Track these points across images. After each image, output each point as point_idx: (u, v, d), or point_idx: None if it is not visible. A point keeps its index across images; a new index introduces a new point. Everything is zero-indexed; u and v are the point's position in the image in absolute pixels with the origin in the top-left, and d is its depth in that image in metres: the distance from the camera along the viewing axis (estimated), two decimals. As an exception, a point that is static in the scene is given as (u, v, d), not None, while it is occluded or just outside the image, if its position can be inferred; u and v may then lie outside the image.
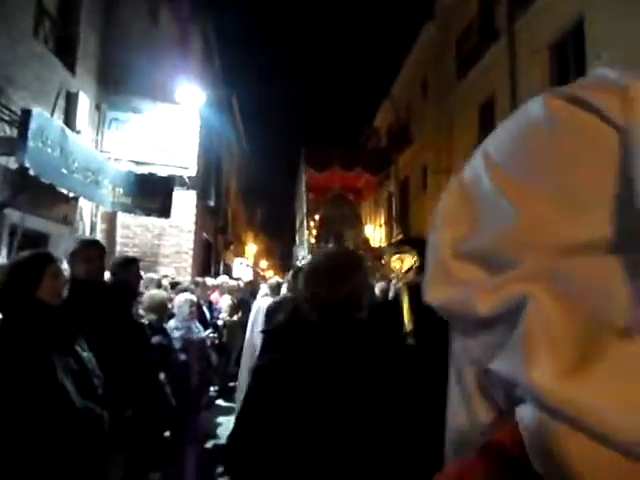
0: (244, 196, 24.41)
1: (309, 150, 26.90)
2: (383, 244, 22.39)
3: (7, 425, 1.71)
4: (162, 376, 4.14)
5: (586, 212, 0.35)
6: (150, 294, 4.46)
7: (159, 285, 4.93)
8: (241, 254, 24.33)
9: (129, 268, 3.32)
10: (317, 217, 23.60)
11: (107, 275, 3.34)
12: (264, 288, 8.93)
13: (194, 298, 5.02)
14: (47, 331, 1.90)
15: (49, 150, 5.06)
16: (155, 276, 5.17)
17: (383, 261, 18.33)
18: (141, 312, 3.88)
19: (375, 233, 24.33)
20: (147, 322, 3.84)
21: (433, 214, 0.52)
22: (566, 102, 0.41)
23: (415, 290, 2.11)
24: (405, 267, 2.58)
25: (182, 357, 4.66)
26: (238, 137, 17.90)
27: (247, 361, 5.16)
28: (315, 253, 18.75)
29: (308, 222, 24.94)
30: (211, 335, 5.38)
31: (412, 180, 18.37)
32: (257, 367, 1.43)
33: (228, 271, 14.53)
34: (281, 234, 45.51)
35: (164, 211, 7.56)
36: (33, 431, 1.73)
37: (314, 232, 23.25)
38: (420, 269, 2.29)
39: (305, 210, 26.24)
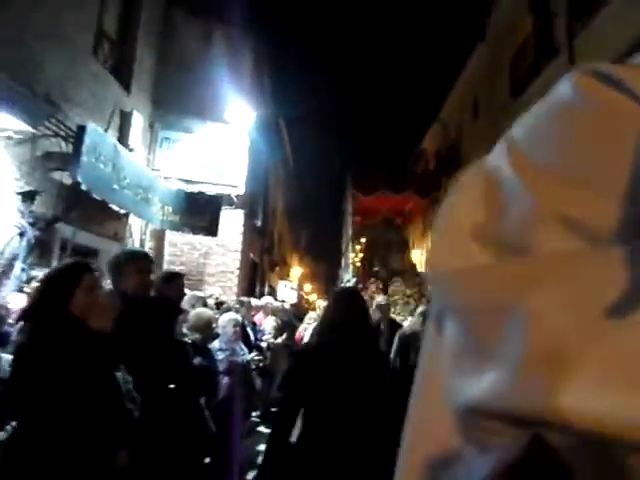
0: (289, 218, 24.50)
1: (356, 173, 26.86)
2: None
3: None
4: (202, 400, 3.92)
5: (605, 198, 0.34)
6: (196, 312, 4.29)
7: (205, 304, 4.77)
8: (286, 276, 24.27)
9: (174, 283, 3.16)
10: (363, 240, 23.34)
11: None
12: (311, 313, 8.72)
13: (239, 318, 4.83)
14: (77, 348, 1.71)
15: (102, 166, 5.07)
16: (201, 294, 5.02)
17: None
18: (185, 331, 3.69)
19: (423, 257, 23.67)
20: (191, 341, 3.65)
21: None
22: (597, 81, 0.39)
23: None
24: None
25: (225, 380, 4.44)
26: (284, 158, 18.03)
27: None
28: (358, 277, 18.33)
29: (354, 245, 24.69)
30: (256, 358, 5.15)
31: (462, 203, 17.78)
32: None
33: (273, 293, 14.39)
34: (326, 258, 45.41)
35: (211, 230, 7.50)
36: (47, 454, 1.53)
37: (360, 255, 22.97)
38: None
39: (350, 233, 26.01)
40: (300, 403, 2.25)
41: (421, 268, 21.48)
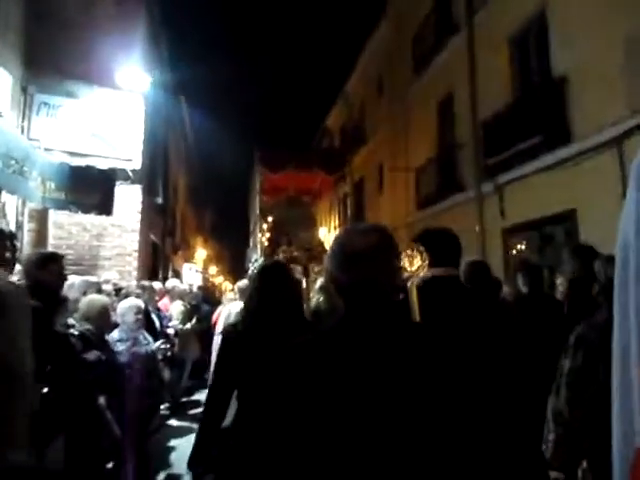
0: (192, 198, 23.31)
1: (263, 151, 26.25)
2: (338, 246, 21.98)
3: None
4: (102, 400, 3.40)
5: None
6: (88, 300, 3.70)
7: (99, 290, 4.15)
8: (190, 259, 23.21)
9: (49, 267, 2.58)
10: (270, 219, 22.99)
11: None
12: (229, 294, 8.26)
13: (141, 304, 4.29)
14: None
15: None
16: (94, 279, 4.37)
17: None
18: (71, 321, 3.12)
19: (330, 235, 23.93)
20: (79, 333, 3.09)
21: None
22: None
23: (424, 290, 1.99)
24: (415, 266, 2.30)
25: (128, 374, 3.91)
26: (184, 135, 16.93)
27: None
28: (266, 256, 18.08)
29: (261, 224, 24.24)
30: (162, 347, 4.64)
31: (367, 180, 18.09)
32: (283, 351, 1.20)
33: (177, 276, 13.56)
34: (231, 239, 44.41)
35: (104, 208, 6.68)
36: None
37: (267, 235, 22.61)
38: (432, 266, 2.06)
39: (258, 212, 25.48)
40: (232, 386, 2.09)
41: (327, 246, 21.70)
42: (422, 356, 1.10)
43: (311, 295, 5.16)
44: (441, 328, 1.20)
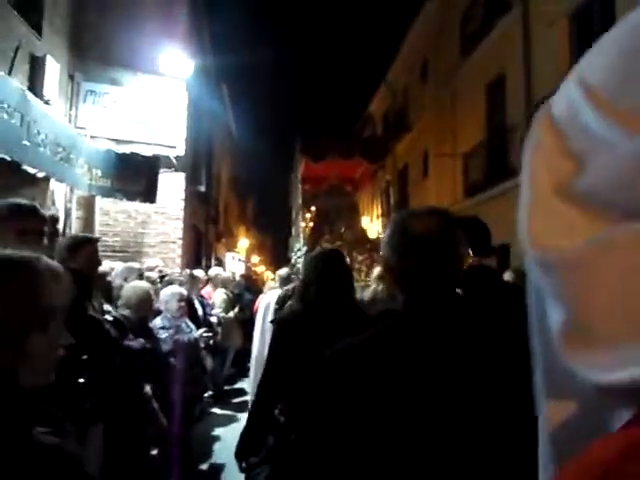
0: (235, 187, 23.52)
1: (305, 139, 26.09)
2: (381, 236, 21.69)
3: None
4: (148, 388, 3.34)
5: None
6: (130, 286, 3.64)
7: (141, 276, 4.10)
8: (233, 248, 23.50)
9: (81, 251, 2.48)
10: (313, 208, 22.88)
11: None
12: (270, 283, 8.20)
13: (184, 291, 4.21)
14: None
15: (5, 116, 4.19)
16: (136, 265, 4.33)
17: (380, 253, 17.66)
18: (107, 307, 3.04)
19: (372, 225, 23.58)
20: (114, 319, 3.01)
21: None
22: None
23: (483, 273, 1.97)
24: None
25: (171, 362, 3.85)
26: (227, 124, 16.99)
27: (258, 363, 4.30)
28: (309, 245, 18.05)
29: (304, 214, 24.19)
30: (205, 335, 4.56)
31: (411, 167, 17.62)
32: (328, 356, 1.09)
33: (220, 265, 13.69)
34: (273, 229, 44.82)
35: (149, 195, 6.70)
36: None
37: (310, 224, 22.52)
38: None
39: (300, 201, 25.46)
40: (284, 373, 2.02)
41: (371, 234, 21.39)
42: (488, 352, 1.00)
43: (369, 283, 4.94)
44: (495, 321, 1.11)
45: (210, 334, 4.86)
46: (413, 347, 1.00)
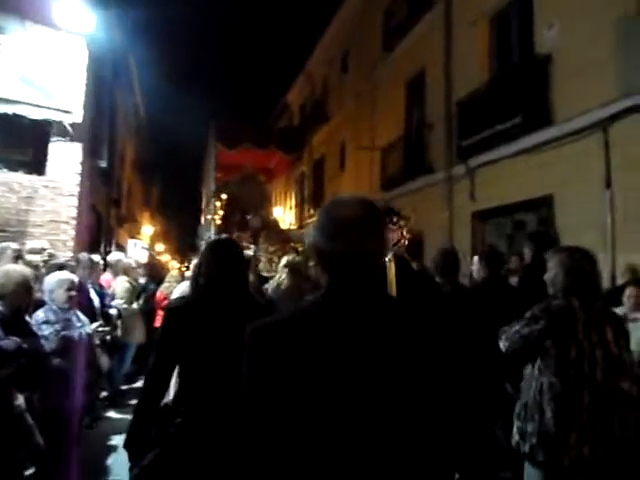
0: (140, 169, 21.87)
1: (219, 124, 25.02)
2: (293, 227, 21.44)
3: None
4: (20, 400, 2.66)
5: None
6: (2, 271, 2.91)
7: (17, 258, 3.34)
8: (135, 234, 21.90)
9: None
10: (224, 196, 22.04)
11: None
12: (173, 272, 7.50)
13: (74, 278, 3.52)
14: None
15: None
16: (13, 245, 3.52)
17: (292, 244, 17.46)
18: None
19: (285, 215, 23.23)
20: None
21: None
22: None
23: (399, 261, 2.29)
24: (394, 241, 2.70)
25: (56, 363, 3.17)
26: (134, 96, 15.59)
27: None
28: (220, 234, 17.34)
29: (215, 201, 23.20)
30: (100, 329, 3.86)
31: (328, 159, 17.49)
32: (252, 330, 1.08)
33: (122, 252, 12.50)
34: (180, 216, 42.73)
35: (36, 166, 5.73)
36: None
37: (220, 212, 21.68)
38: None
39: (212, 188, 24.37)
40: (174, 362, 2.06)
41: (284, 225, 21.04)
42: (408, 331, 1.09)
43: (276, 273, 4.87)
44: (419, 305, 1.18)
45: (107, 328, 4.16)
46: (335, 325, 1.04)
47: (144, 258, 17.42)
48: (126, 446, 2.03)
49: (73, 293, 3.50)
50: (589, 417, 2.04)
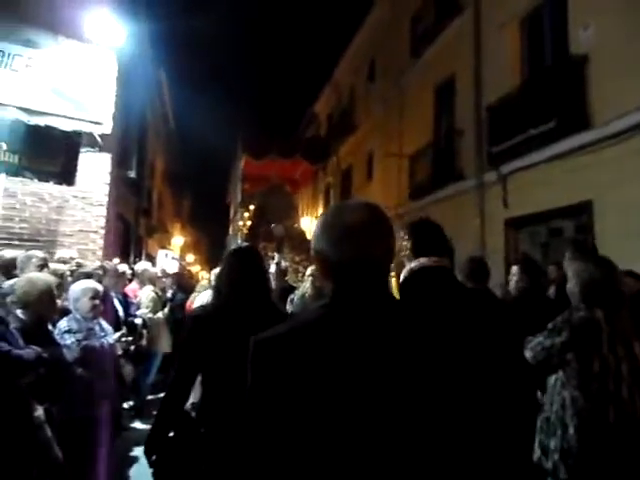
0: (171, 181, 22.26)
1: (247, 137, 25.30)
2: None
3: None
4: (40, 412, 2.61)
5: None
6: (26, 279, 2.89)
7: (42, 267, 3.33)
8: (166, 245, 22.25)
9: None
10: (252, 207, 22.21)
11: None
12: (203, 282, 7.47)
13: (99, 287, 3.48)
14: None
15: None
16: (39, 254, 3.52)
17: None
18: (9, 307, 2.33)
19: (312, 226, 23.19)
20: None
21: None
22: None
23: (412, 280, 2.05)
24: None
25: (78, 373, 3.13)
26: (164, 109, 15.89)
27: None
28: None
29: (242, 212, 23.38)
30: (124, 339, 3.82)
31: (356, 169, 17.37)
32: (255, 343, 1.03)
33: (151, 262, 12.65)
34: (209, 227, 43.35)
35: (66, 176, 5.80)
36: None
37: (248, 223, 21.83)
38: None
39: (239, 199, 24.59)
40: (196, 369, 2.08)
41: (310, 235, 21.05)
42: (422, 342, 1.00)
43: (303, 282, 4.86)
44: (435, 314, 1.11)
45: (130, 338, 4.11)
46: (342, 335, 0.99)
47: (174, 268, 17.65)
48: (146, 452, 2.04)
49: (97, 302, 3.47)
50: (614, 435, 1.92)
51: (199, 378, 2.13)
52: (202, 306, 2.44)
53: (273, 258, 10.61)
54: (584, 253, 3.34)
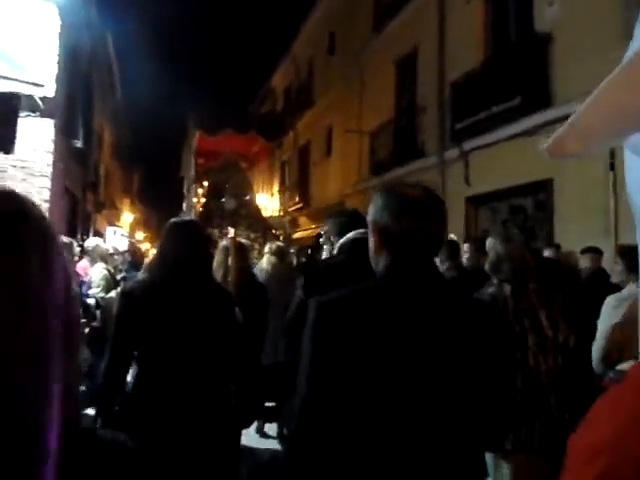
0: (119, 155, 21.14)
1: (199, 110, 24.34)
2: (275, 213, 21.09)
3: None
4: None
5: None
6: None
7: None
8: (115, 221, 21.28)
9: None
10: (205, 183, 21.58)
11: None
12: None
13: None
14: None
15: None
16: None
17: (274, 231, 17.18)
18: None
19: (268, 202, 22.78)
20: None
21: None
22: None
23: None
24: None
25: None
26: (111, 77, 14.90)
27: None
28: (201, 220, 16.92)
29: (196, 188, 22.68)
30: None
31: (314, 144, 17.10)
32: (319, 304, 1.12)
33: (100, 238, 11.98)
34: (160, 204, 41.90)
35: (3, 144, 5.25)
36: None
37: (203, 199, 21.23)
38: None
39: (193, 175, 23.78)
40: (131, 347, 2.02)
41: (266, 212, 20.65)
42: (460, 312, 1.16)
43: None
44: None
45: (84, 320, 3.76)
46: (399, 301, 1.11)
47: (124, 246, 16.91)
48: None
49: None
50: (522, 401, 2.09)
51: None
52: (135, 281, 2.35)
53: (227, 235, 10.34)
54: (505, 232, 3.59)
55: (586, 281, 4.38)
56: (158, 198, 40.87)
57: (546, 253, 4.78)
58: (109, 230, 18.44)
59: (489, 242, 2.42)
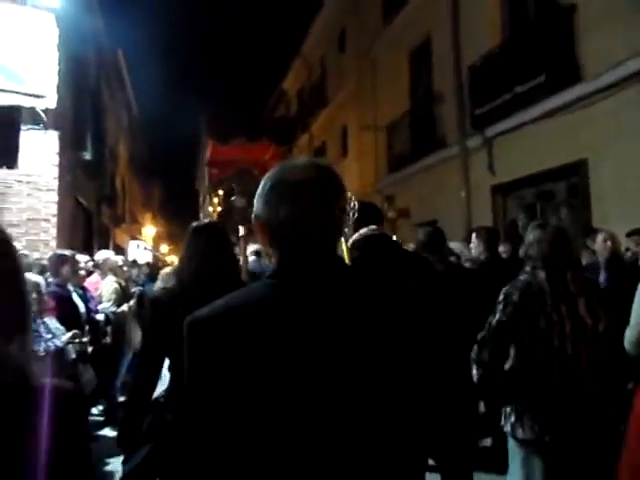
0: (137, 169, 21.25)
1: (211, 119, 24.34)
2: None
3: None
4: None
5: None
6: None
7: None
8: (137, 236, 21.38)
9: None
10: (221, 193, 21.56)
11: None
12: (166, 269, 6.91)
13: (40, 281, 2.88)
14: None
15: None
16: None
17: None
18: None
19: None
20: None
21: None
22: None
23: (385, 240, 2.45)
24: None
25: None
26: (126, 97, 14.89)
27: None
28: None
29: (211, 198, 22.66)
30: (77, 341, 3.20)
31: (329, 145, 16.76)
32: (192, 323, 0.95)
33: (122, 254, 11.89)
34: (181, 217, 42.20)
35: (6, 158, 5.09)
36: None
37: (218, 209, 21.22)
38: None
39: (207, 185, 23.77)
40: (162, 355, 1.94)
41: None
42: (368, 312, 0.97)
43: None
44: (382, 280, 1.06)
45: (85, 339, 3.50)
46: (284, 314, 0.92)
47: (147, 258, 16.91)
48: (119, 444, 2.05)
49: (44, 298, 2.89)
50: (561, 391, 2.03)
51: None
52: (164, 288, 2.31)
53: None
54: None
55: (630, 265, 4.14)
56: (180, 211, 41.16)
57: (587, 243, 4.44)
58: (132, 244, 18.52)
59: (529, 227, 2.37)
